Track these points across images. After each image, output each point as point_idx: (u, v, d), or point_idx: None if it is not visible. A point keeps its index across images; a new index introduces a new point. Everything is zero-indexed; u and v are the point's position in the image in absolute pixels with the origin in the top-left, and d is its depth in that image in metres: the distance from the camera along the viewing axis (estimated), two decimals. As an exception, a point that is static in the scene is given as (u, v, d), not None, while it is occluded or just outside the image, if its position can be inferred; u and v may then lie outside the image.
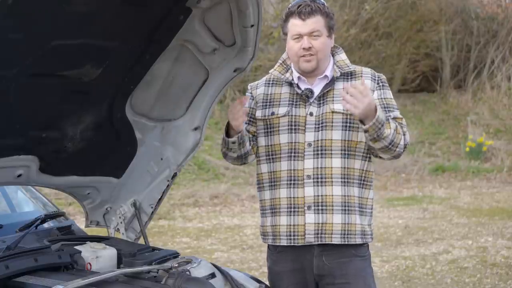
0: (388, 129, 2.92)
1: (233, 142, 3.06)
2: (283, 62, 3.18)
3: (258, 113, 3.15)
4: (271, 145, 3.10)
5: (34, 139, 2.94)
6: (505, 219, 8.79)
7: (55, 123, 2.97)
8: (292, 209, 3.05)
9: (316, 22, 3.00)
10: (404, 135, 3.01)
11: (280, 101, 3.12)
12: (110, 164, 3.34)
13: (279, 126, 3.09)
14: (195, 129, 3.27)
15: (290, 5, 3.11)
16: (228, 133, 3.09)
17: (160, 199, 3.41)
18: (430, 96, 15.56)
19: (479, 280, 6.21)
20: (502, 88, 15.00)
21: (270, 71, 3.21)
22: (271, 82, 3.19)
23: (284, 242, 3.07)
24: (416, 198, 10.45)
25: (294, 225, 3.05)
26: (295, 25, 3.02)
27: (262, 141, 3.12)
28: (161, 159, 3.33)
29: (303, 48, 3.01)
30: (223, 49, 3.05)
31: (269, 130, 3.12)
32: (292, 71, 3.13)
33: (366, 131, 2.90)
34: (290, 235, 3.06)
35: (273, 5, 14.11)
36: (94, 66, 2.81)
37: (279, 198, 3.08)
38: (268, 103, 3.14)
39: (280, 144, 3.08)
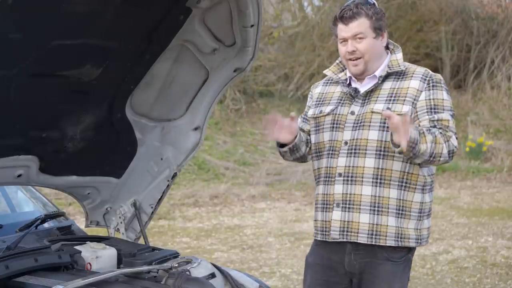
0: (424, 144, 2.86)
1: (285, 151, 3.14)
2: (339, 62, 3.20)
3: (311, 112, 3.20)
4: (317, 142, 3.14)
5: (34, 139, 2.94)
6: (505, 219, 8.79)
7: (55, 123, 2.97)
8: (325, 205, 3.10)
9: (358, 26, 3.00)
10: (447, 141, 2.93)
11: (330, 100, 3.16)
12: (110, 164, 3.34)
13: (324, 124, 3.13)
14: (195, 129, 3.27)
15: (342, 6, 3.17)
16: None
17: (160, 199, 3.41)
18: (430, 96, 15.52)
19: (479, 280, 6.21)
20: (502, 88, 14.99)
21: (324, 71, 3.25)
22: (329, 81, 3.23)
23: (319, 237, 3.13)
24: (416, 198, 10.42)
25: (325, 220, 3.10)
26: (340, 29, 3.05)
27: (312, 138, 3.17)
28: (161, 159, 3.34)
29: (348, 52, 3.03)
30: (223, 49, 3.06)
31: (317, 128, 3.16)
32: (347, 71, 3.16)
33: (400, 152, 2.88)
34: (323, 230, 3.11)
35: (273, 5, 14.12)
36: (94, 66, 2.81)
37: (318, 194, 3.14)
38: (321, 102, 3.19)
39: (324, 141, 3.12)
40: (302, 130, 3.21)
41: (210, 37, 3.00)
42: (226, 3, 2.86)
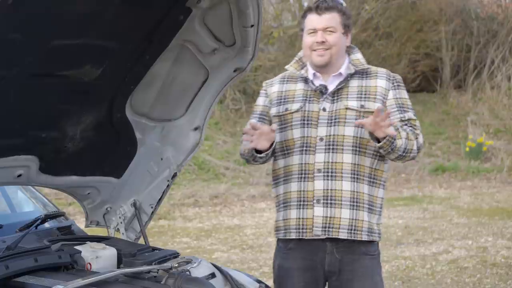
0: (400, 140, 2.99)
1: (261, 157, 3.12)
2: (299, 59, 3.24)
3: (273, 111, 3.20)
4: (285, 140, 3.14)
5: (34, 139, 2.94)
6: (505, 219, 8.79)
7: (55, 123, 2.97)
8: (302, 202, 3.09)
9: (331, 18, 3.09)
10: (416, 138, 3.07)
11: (294, 98, 3.17)
12: (110, 164, 3.34)
13: (292, 122, 3.14)
14: (195, 129, 3.27)
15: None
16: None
17: (160, 199, 3.41)
18: (430, 96, 15.56)
19: (479, 280, 6.21)
20: (502, 88, 14.99)
21: (285, 67, 3.27)
22: (285, 79, 3.24)
23: (293, 236, 3.11)
24: (416, 198, 10.45)
25: (303, 218, 3.09)
26: (311, 20, 3.11)
27: (277, 137, 3.14)
28: (161, 159, 3.34)
29: (317, 42, 3.08)
30: (223, 49, 3.06)
31: (283, 125, 3.16)
32: (307, 68, 3.18)
33: (380, 147, 2.98)
34: (299, 228, 3.10)
35: (273, 5, 14.12)
36: (94, 66, 2.81)
37: (290, 191, 3.13)
38: (282, 100, 3.19)
39: (293, 139, 3.12)
40: None
41: (210, 37, 3.00)
42: (226, 3, 2.86)
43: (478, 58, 15.62)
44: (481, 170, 12.23)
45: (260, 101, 3.26)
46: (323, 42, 3.07)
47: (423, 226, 8.48)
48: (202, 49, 3.05)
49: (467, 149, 12.84)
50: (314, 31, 3.09)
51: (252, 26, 2.93)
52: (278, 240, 3.22)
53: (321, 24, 3.08)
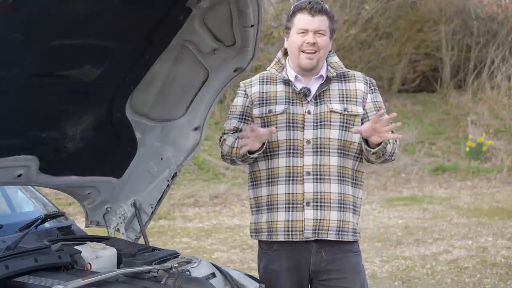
0: (389, 145, 3.05)
1: (252, 158, 3.10)
2: (278, 61, 3.24)
3: (255, 111, 3.17)
4: (268, 142, 3.10)
5: (34, 139, 2.94)
6: (505, 219, 8.79)
7: (55, 123, 2.97)
8: (291, 205, 3.09)
9: (323, 21, 3.09)
10: (395, 142, 3.13)
11: (276, 99, 3.16)
12: (110, 164, 3.34)
13: (277, 123, 3.12)
14: (195, 129, 3.27)
15: (297, 2, 3.17)
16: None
17: (160, 199, 3.41)
18: (430, 96, 15.56)
19: (479, 280, 6.21)
20: (502, 88, 15.00)
21: (267, 69, 3.26)
22: (265, 80, 3.23)
23: (281, 238, 3.10)
24: (416, 198, 10.45)
25: (292, 220, 3.08)
26: (303, 20, 3.09)
27: None
28: (161, 159, 3.34)
29: (307, 43, 3.07)
30: (223, 49, 3.06)
31: (266, 127, 3.13)
32: (287, 70, 3.18)
33: (374, 152, 3.01)
34: (288, 231, 3.09)
35: (273, 5, 14.12)
36: (94, 66, 2.81)
37: (277, 194, 3.11)
38: (264, 101, 3.18)
39: (278, 141, 3.11)
40: (240, 131, 3.17)
41: (210, 37, 3.00)
42: (226, 3, 2.86)
43: (478, 58, 15.64)
44: (481, 170, 12.23)
45: (240, 101, 3.23)
46: (314, 43, 3.06)
47: (423, 226, 8.48)
48: (202, 49, 3.05)
49: (467, 149, 12.85)
50: (305, 31, 3.07)
51: (252, 26, 2.93)
52: (260, 242, 3.22)
53: (313, 26, 3.07)
